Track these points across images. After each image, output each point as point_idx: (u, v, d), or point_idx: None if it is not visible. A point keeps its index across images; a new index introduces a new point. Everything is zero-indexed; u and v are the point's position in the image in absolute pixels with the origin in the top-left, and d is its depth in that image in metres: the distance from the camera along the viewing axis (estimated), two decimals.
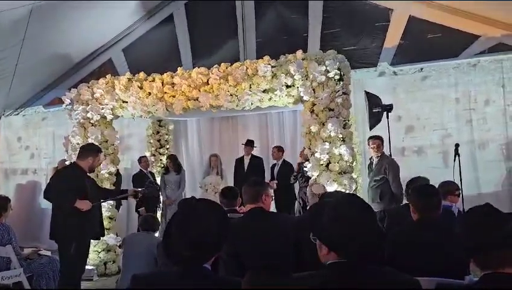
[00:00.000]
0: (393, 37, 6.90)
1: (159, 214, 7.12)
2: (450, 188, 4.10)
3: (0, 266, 4.37)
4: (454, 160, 4.80)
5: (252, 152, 7.22)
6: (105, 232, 5.96)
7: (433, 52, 6.52)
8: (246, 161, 7.19)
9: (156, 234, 4.44)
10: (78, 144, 6.07)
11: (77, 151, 4.59)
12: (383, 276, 1.40)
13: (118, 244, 6.19)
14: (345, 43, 7.11)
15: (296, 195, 6.71)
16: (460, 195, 4.21)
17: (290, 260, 2.28)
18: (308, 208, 3.52)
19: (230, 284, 1.58)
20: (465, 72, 6.24)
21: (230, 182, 7.03)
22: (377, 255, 1.43)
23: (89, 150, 4.40)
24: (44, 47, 7.37)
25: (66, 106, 6.30)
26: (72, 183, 4.11)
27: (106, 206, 5.96)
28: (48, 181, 4.39)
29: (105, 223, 6.00)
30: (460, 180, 4.57)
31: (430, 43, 6.70)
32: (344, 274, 1.38)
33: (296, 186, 6.73)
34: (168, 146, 8.13)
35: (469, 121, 6.19)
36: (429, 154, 6.35)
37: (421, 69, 6.48)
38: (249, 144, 7.19)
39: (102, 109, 6.04)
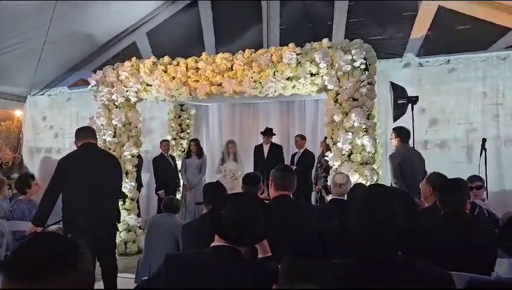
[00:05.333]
0: (420, 28, 6.74)
1: (178, 197, 7.22)
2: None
3: None
4: (481, 155, 4.72)
5: (272, 140, 7.21)
6: (127, 213, 6.13)
7: (462, 45, 6.35)
8: (266, 148, 7.19)
9: (177, 216, 4.50)
10: (102, 125, 6.18)
11: (95, 133, 4.21)
12: (413, 266, 1.41)
13: (139, 225, 6.33)
14: (370, 32, 6.97)
15: (313, 183, 6.80)
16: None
17: (317, 249, 2.31)
18: (331, 198, 3.52)
19: (263, 267, 1.62)
20: (494, 66, 6.10)
21: (248, 168, 7.05)
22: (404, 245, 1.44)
23: (94, 131, 4.17)
24: (70, 29, 7.45)
25: (91, 87, 6.38)
26: None
27: (128, 188, 6.08)
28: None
29: (127, 204, 6.15)
30: (486, 176, 4.50)
31: (458, 35, 6.53)
32: (376, 263, 1.40)
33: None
34: (189, 131, 8.21)
35: (496, 116, 6.06)
36: (452, 149, 6.26)
37: (448, 61, 6.35)
38: (268, 132, 7.16)
39: (127, 91, 6.10)
